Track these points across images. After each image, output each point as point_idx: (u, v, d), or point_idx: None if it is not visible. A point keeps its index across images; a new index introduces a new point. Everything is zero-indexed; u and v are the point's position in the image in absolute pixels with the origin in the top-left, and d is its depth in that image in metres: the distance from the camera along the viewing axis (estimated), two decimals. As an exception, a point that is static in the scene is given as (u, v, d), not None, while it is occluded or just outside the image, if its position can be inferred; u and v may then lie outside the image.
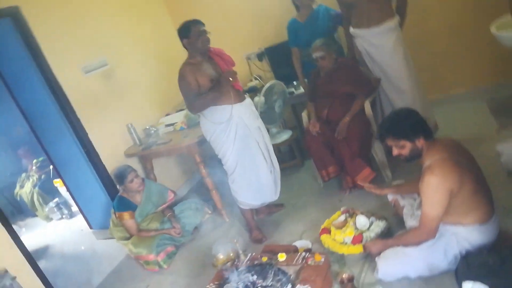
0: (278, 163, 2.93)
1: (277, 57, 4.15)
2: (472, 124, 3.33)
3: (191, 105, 2.64)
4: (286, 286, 2.01)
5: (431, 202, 1.86)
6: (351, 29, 3.08)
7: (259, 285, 2.06)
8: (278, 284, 2.04)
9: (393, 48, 2.94)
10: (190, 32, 2.56)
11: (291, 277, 2.09)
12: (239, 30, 4.35)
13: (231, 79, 2.57)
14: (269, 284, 2.05)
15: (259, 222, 3.07)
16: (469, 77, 3.81)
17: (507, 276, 1.63)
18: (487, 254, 1.78)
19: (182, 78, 2.59)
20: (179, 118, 3.78)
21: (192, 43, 2.59)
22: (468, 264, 1.80)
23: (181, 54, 2.77)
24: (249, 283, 2.08)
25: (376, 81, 3.08)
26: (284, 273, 2.11)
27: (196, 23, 2.59)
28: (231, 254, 2.54)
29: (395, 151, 2.03)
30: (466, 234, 1.90)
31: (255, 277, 2.11)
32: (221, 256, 2.58)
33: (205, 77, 2.58)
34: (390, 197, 2.48)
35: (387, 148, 2.19)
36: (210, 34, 2.62)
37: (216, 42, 2.73)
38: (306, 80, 3.57)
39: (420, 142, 1.95)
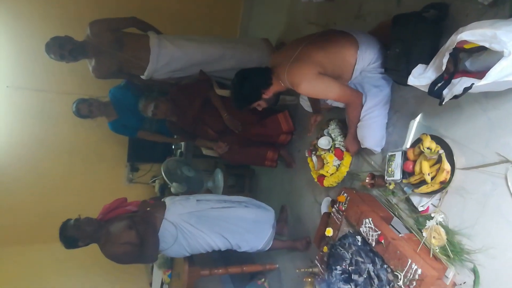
0: (241, 194, 2.93)
1: (140, 152, 4.06)
2: (278, 16, 3.52)
3: (147, 257, 2.56)
4: (356, 238, 1.98)
5: (327, 92, 1.93)
6: (143, 77, 3.08)
7: (360, 262, 1.95)
8: (354, 247, 1.98)
9: (176, 50, 2.99)
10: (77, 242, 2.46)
11: (351, 231, 2.05)
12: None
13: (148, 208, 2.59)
14: (353, 252, 1.97)
15: (290, 236, 3.02)
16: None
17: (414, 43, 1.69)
18: (388, 52, 1.84)
19: (115, 256, 2.45)
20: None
21: (84, 242, 2.48)
22: (391, 70, 1.86)
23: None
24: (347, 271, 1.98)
25: (201, 74, 3.09)
26: (346, 236, 2.06)
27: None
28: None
29: (259, 108, 2.11)
30: (363, 64, 1.96)
31: (343, 265, 2.02)
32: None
33: (126, 233, 2.45)
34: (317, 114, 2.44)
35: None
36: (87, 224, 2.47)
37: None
38: (174, 136, 3.52)
39: (269, 91, 2.00)
